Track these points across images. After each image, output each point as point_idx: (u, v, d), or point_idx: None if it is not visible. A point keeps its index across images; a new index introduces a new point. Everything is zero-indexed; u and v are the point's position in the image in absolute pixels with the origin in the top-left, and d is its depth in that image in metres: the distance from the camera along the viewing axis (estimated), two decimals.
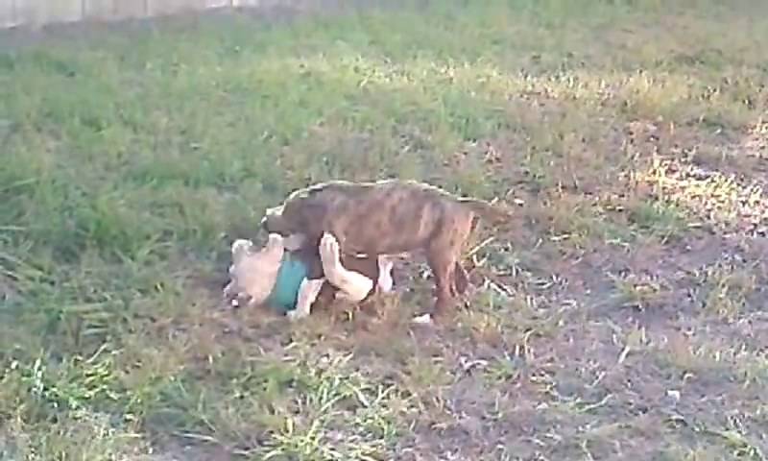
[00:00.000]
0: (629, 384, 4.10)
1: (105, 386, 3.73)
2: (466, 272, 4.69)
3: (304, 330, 4.22)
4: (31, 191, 5.11)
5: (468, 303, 4.61)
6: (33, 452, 3.37)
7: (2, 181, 5.18)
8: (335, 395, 3.82)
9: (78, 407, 3.62)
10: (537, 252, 5.22)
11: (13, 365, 3.77)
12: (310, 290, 4.43)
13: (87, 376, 3.77)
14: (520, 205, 5.66)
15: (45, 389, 3.66)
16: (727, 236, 5.61)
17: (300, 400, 3.78)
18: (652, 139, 6.98)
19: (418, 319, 4.47)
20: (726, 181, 6.27)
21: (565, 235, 5.39)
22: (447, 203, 4.54)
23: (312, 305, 4.41)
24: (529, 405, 3.90)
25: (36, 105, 6.38)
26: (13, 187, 5.14)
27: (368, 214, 4.48)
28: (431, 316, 4.47)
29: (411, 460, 3.57)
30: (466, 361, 4.18)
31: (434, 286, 4.56)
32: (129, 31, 8.73)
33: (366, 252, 4.51)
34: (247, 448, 3.52)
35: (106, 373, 3.80)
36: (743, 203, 6.04)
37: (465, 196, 5.34)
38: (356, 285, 4.47)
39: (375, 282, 4.53)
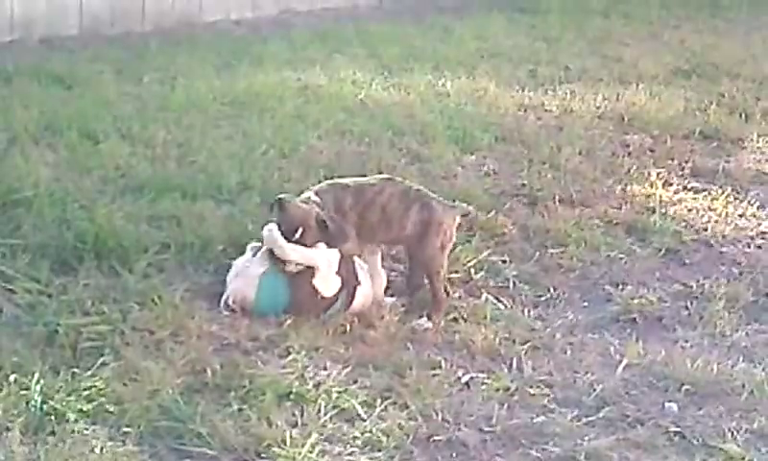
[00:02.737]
0: (626, 397, 4.10)
1: (103, 399, 3.73)
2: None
3: (302, 343, 4.22)
4: (28, 204, 5.11)
5: (466, 316, 4.62)
6: None
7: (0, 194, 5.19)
8: (333, 408, 3.81)
9: (76, 420, 3.62)
10: (534, 264, 5.23)
11: (12, 378, 3.76)
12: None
13: (85, 389, 3.77)
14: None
15: (43, 402, 3.66)
16: (724, 249, 5.62)
17: (298, 413, 3.77)
18: (648, 152, 7.00)
19: (417, 323, 4.52)
20: (722, 194, 6.28)
21: (563, 248, 5.39)
22: (437, 205, 4.61)
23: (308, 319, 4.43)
24: (527, 418, 3.90)
25: (33, 118, 6.39)
26: (11, 200, 5.14)
27: (363, 212, 4.54)
28: (428, 317, 4.53)
29: None
30: (464, 374, 4.18)
31: (425, 287, 4.64)
32: (126, 44, 8.75)
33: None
34: None
35: (104, 386, 3.79)
36: (740, 216, 6.05)
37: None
38: (319, 256, 4.45)
39: (354, 290, 4.52)
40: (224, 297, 4.46)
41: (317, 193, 4.55)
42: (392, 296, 4.69)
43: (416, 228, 4.56)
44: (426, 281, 4.62)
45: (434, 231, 4.56)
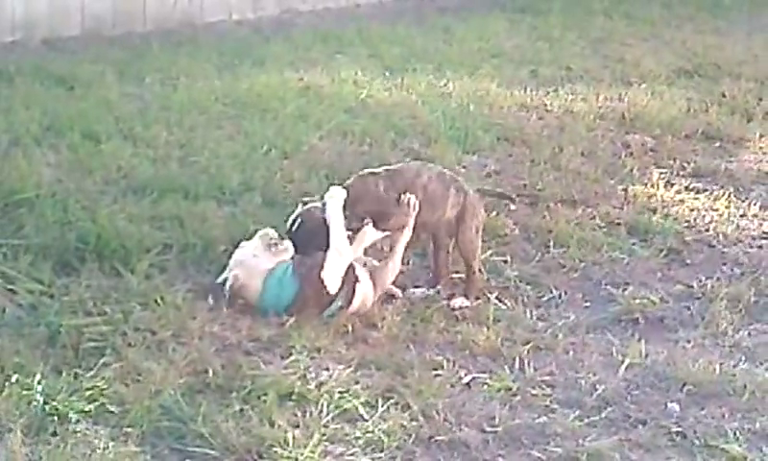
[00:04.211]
0: (628, 397, 4.10)
1: (105, 400, 3.74)
2: (449, 263, 4.87)
3: (304, 343, 4.23)
4: (30, 205, 5.13)
5: (468, 317, 4.62)
6: None
7: (2, 194, 5.20)
8: (335, 408, 3.82)
9: (78, 421, 3.63)
10: (536, 265, 5.23)
11: (14, 379, 3.77)
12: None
13: (87, 389, 3.78)
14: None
15: (45, 403, 3.67)
16: (725, 249, 5.62)
17: (300, 414, 3.78)
18: (650, 152, 6.99)
19: (454, 301, 4.68)
20: (724, 194, 6.28)
21: (564, 248, 5.39)
22: (469, 189, 4.81)
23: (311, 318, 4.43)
24: (529, 418, 3.90)
25: (35, 119, 6.40)
26: (13, 201, 5.16)
27: (404, 193, 4.63)
28: (465, 296, 4.69)
29: None
30: (465, 374, 4.18)
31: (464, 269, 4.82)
32: (128, 45, 8.75)
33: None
34: None
35: (105, 386, 3.80)
36: (742, 216, 6.05)
37: None
38: (344, 245, 4.50)
39: (354, 287, 4.52)
40: (222, 276, 4.47)
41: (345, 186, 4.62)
42: (417, 287, 4.82)
43: (454, 211, 4.72)
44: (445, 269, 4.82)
45: (470, 215, 4.74)
